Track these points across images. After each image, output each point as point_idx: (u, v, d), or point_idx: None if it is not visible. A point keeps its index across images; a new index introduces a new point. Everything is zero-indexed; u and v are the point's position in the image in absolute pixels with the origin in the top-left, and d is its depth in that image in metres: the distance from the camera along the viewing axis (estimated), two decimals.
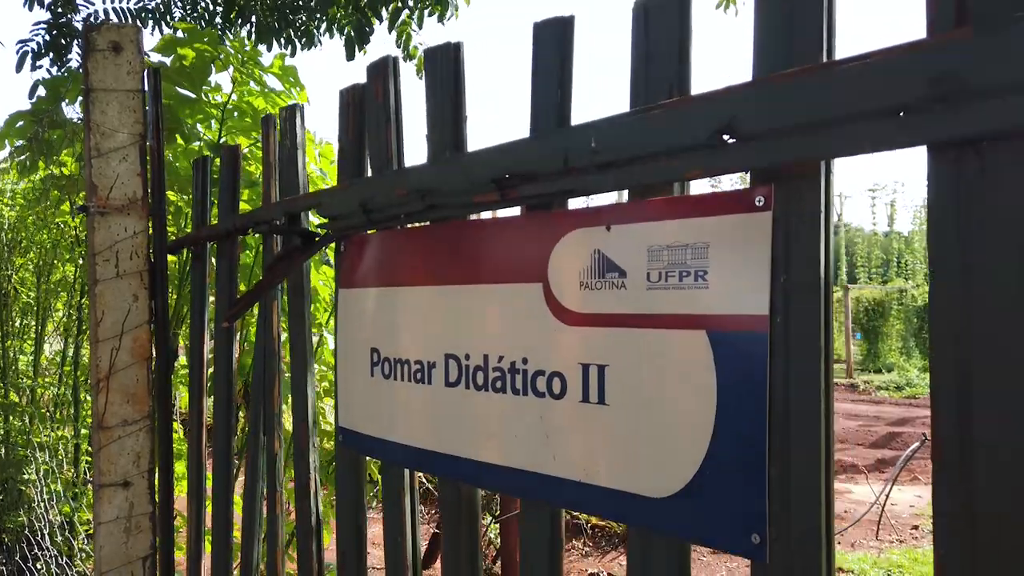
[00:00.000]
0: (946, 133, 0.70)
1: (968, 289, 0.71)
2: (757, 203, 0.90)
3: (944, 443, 0.73)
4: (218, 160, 2.24)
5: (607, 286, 1.05)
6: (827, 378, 0.85)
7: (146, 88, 2.22)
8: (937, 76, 0.70)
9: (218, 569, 2.03)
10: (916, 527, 7.37)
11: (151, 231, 2.21)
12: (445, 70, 1.30)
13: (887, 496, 6.73)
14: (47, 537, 4.10)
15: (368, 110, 1.47)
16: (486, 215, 1.32)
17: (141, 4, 4.85)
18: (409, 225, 1.40)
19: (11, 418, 4.91)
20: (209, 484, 2.25)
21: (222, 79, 4.01)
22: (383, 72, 1.44)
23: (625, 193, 1.09)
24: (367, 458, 1.63)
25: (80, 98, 4.05)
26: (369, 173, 1.51)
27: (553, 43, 1.15)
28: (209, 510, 2.20)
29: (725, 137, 0.87)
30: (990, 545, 0.69)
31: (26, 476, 4.66)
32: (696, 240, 0.95)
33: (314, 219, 1.72)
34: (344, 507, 1.58)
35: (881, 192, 23.71)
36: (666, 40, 1.02)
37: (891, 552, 6.73)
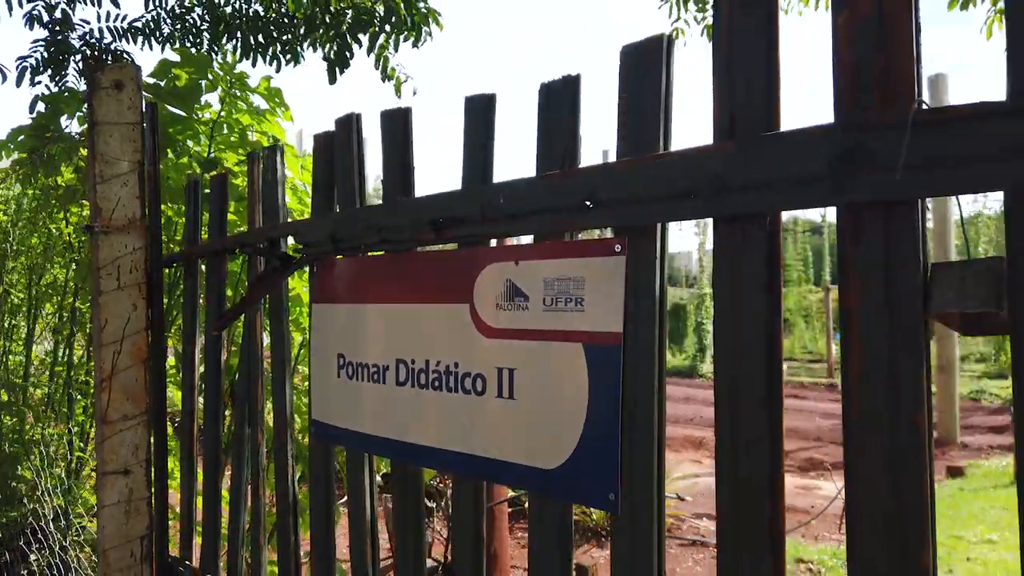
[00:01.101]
0: (719, 212, 1.02)
1: (738, 319, 1.03)
2: (616, 250, 1.22)
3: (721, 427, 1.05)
4: (208, 176, 2.54)
5: (515, 307, 1.36)
6: (660, 377, 1.16)
7: (144, 121, 2.51)
8: (713, 174, 1.02)
9: (208, 543, 2.32)
10: None
11: (148, 247, 2.51)
12: (396, 130, 1.61)
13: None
14: (40, 530, 4.35)
15: (336, 156, 1.78)
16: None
17: (132, 22, 5.12)
18: (369, 253, 1.71)
19: (4, 416, 5.14)
20: (200, 476, 2.55)
21: (211, 97, 4.28)
22: (348, 125, 1.75)
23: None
24: (339, 449, 1.93)
25: (77, 113, 4.33)
26: (337, 208, 1.82)
27: (481, 114, 1.46)
28: (199, 498, 2.50)
29: (588, 203, 1.19)
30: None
31: (19, 472, 4.90)
32: (577, 274, 1.27)
33: (292, 241, 2.02)
34: (316, 484, 1.89)
35: None
36: (559, 120, 1.33)
37: None
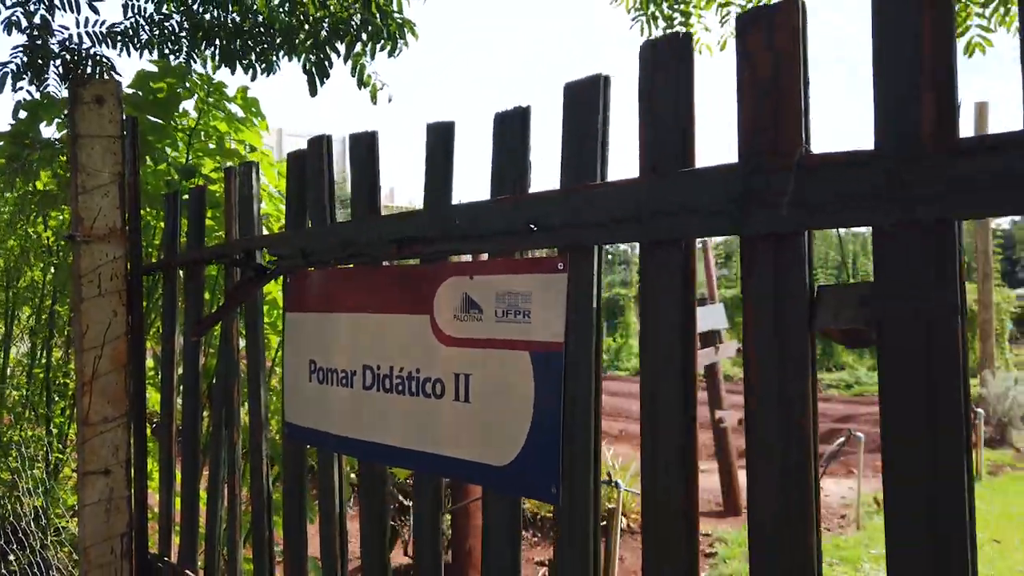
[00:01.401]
0: (644, 238, 1.16)
1: (656, 331, 1.17)
2: (559, 267, 1.35)
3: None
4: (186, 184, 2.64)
5: (470, 318, 1.49)
6: (597, 380, 1.30)
7: (124, 133, 2.60)
8: (639, 203, 1.15)
9: (186, 540, 2.43)
10: (843, 516, 7.85)
11: (128, 255, 2.60)
12: (363, 152, 1.74)
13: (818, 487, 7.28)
14: (20, 530, 4.41)
15: (308, 174, 1.90)
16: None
17: (111, 27, 5.18)
18: (338, 266, 1.83)
19: None
20: (178, 476, 2.65)
21: (189, 104, 4.36)
22: (319, 147, 1.87)
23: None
24: (313, 448, 2.05)
25: (57, 120, 4.39)
26: (309, 223, 1.93)
27: (441, 141, 1.59)
28: (178, 497, 2.60)
29: (532, 226, 1.32)
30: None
31: None
32: (525, 289, 1.40)
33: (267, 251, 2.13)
34: (289, 482, 2.00)
35: None
36: (511, 148, 1.46)
37: None
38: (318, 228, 1.84)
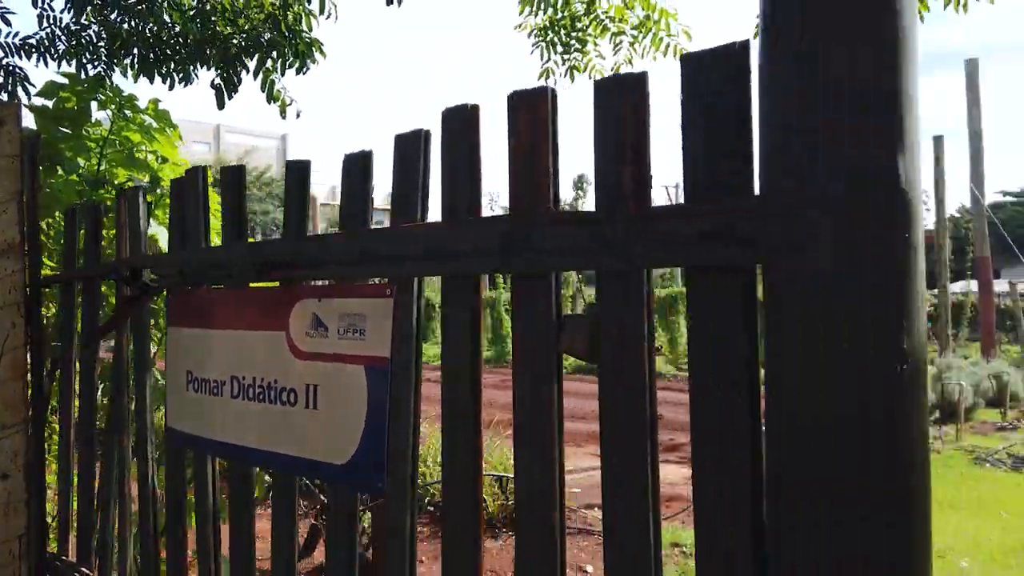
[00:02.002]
0: (444, 271, 1.39)
1: (455, 348, 1.40)
2: (387, 293, 1.57)
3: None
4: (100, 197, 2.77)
5: (318, 335, 1.70)
6: (416, 388, 1.52)
7: (24, 154, 2.72)
8: (440, 243, 1.39)
9: (82, 539, 2.58)
10: None
11: (27, 269, 2.72)
12: (232, 184, 1.93)
13: None
14: None
15: (186, 200, 2.08)
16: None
17: (25, 38, 5.19)
18: (213, 286, 2.01)
19: None
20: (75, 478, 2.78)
21: (102, 115, 4.43)
22: (195, 176, 2.06)
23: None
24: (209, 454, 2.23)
25: None
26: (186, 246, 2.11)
27: (297, 179, 1.80)
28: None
29: (366, 258, 1.54)
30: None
31: None
32: (361, 311, 1.62)
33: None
34: (171, 484, 2.18)
35: None
36: (353, 188, 1.67)
37: None
38: (193, 251, 2.02)
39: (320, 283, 1.82)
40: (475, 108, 1.37)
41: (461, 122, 1.37)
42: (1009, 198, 52.18)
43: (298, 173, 1.79)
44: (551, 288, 1.24)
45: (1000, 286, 19.00)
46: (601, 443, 1.20)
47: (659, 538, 1.16)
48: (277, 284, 1.83)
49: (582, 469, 8.71)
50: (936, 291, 14.76)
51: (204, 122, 49.90)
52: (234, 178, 1.92)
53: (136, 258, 2.24)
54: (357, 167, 1.67)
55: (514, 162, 1.28)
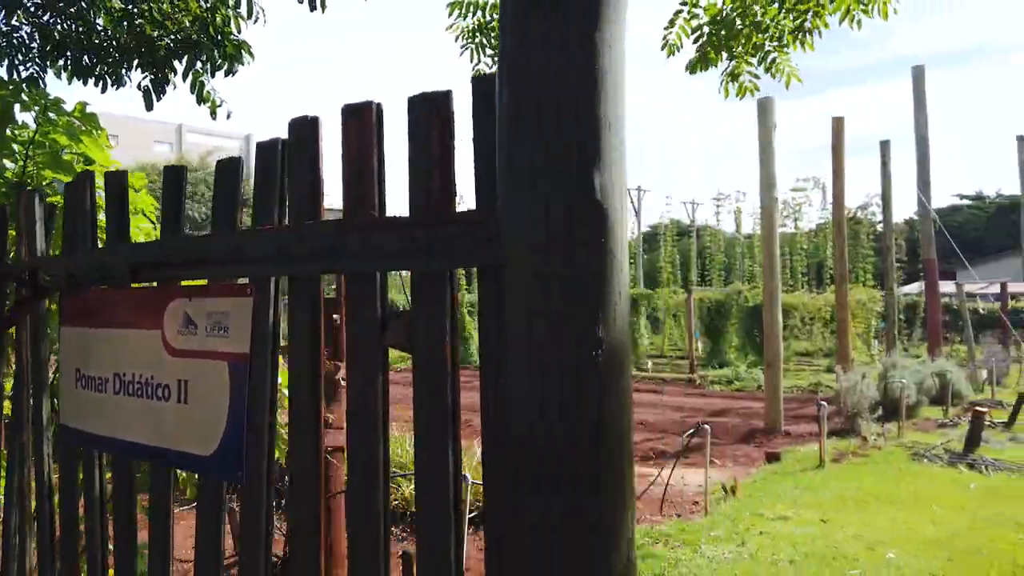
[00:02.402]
0: (290, 272, 1.48)
1: (298, 347, 1.48)
2: (248, 293, 1.65)
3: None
4: None
5: (189, 333, 1.78)
6: (273, 382, 1.61)
7: None
8: (284, 246, 1.47)
9: None
10: (696, 503, 8.36)
11: None
12: (114, 190, 2.00)
13: (670, 474, 7.77)
14: None
15: (76, 205, 2.14)
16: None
17: None
18: (102, 287, 2.08)
19: None
20: None
21: (28, 117, 4.42)
22: (83, 183, 2.12)
23: None
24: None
25: None
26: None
27: (172, 186, 1.87)
28: None
29: (231, 259, 1.62)
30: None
31: None
32: (225, 310, 1.70)
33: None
34: (64, 481, 2.24)
35: (725, 200, 25.53)
36: (223, 194, 1.75)
37: (665, 524, 7.71)
38: (81, 254, 2.09)
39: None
40: (315, 119, 1.46)
41: (307, 130, 1.46)
42: (965, 201, 53.55)
43: (173, 178, 1.86)
44: (376, 289, 1.34)
45: (957, 287, 19.54)
46: (415, 423, 1.29)
47: (461, 516, 1.26)
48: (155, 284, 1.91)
49: None
50: (885, 292, 15.16)
51: (166, 122, 49.07)
52: (117, 183, 1.99)
53: (32, 260, 2.29)
54: (229, 173, 1.75)
55: (344, 170, 1.37)
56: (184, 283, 1.85)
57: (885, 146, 14.80)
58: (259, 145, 1.64)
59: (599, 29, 0.86)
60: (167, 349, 1.83)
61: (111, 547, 2.08)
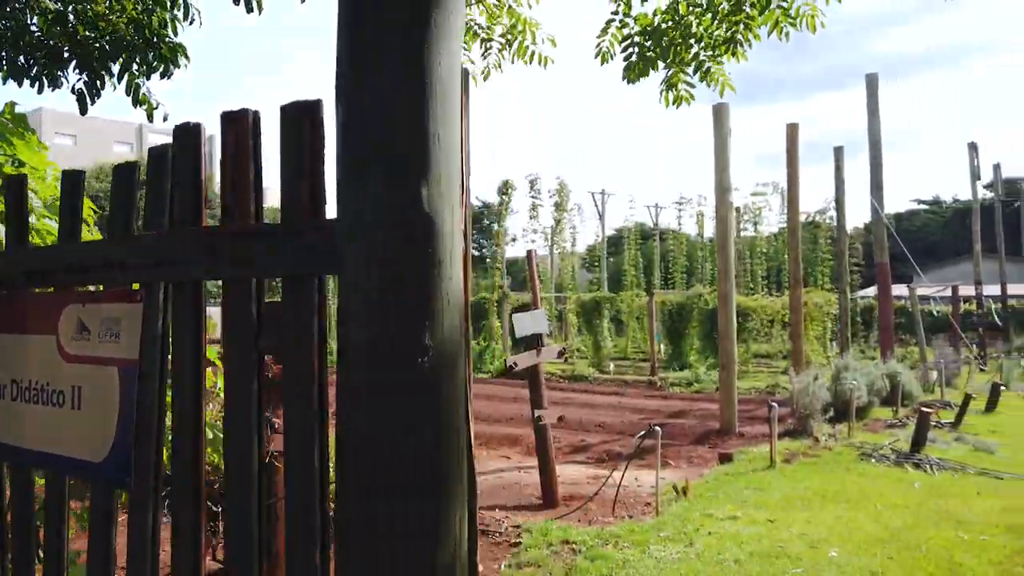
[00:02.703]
0: (163, 278, 1.48)
1: (180, 346, 1.49)
2: (138, 299, 1.65)
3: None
4: None
5: (82, 339, 1.77)
6: (161, 387, 1.61)
7: None
8: (160, 253, 1.47)
9: None
10: (648, 504, 8.41)
11: None
12: (12, 195, 1.98)
13: (622, 476, 7.83)
14: None
15: None
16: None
17: None
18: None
19: None
20: None
21: None
22: None
23: None
24: None
25: None
26: None
27: (68, 193, 1.86)
28: None
29: (119, 266, 1.62)
30: None
31: None
32: (117, 315, 1.70)
33: None
34: None
35: (687, 204, 25.83)
36: (117, 202, 1.75)
37: (616, 525, 7.75)
38: None
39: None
40: (198, 126, 1.46)
41: (188, 138, 1.47)
42: (923, 206, 54.85)
43: (69, 183, 1.85)
44: (251, 293, 1.35)
45: (921, 290, 19.99)
46: (285, 415, 1.31)
47: (327, 512, 1.28)
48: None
49: (489, 472, 8.82)
50: (839, 295, 15.48)
51: (127, 122, 48.24)
52: (15, 191, 1.98)
53: None
54: (125, 178, 1.75)
55: (222, 177, 1.38)
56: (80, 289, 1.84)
57: (839, 152, 15.14)
58: (150, 152, 1.64)
59: (428, 46, 0.88)
60: (62, 355, 1.82)
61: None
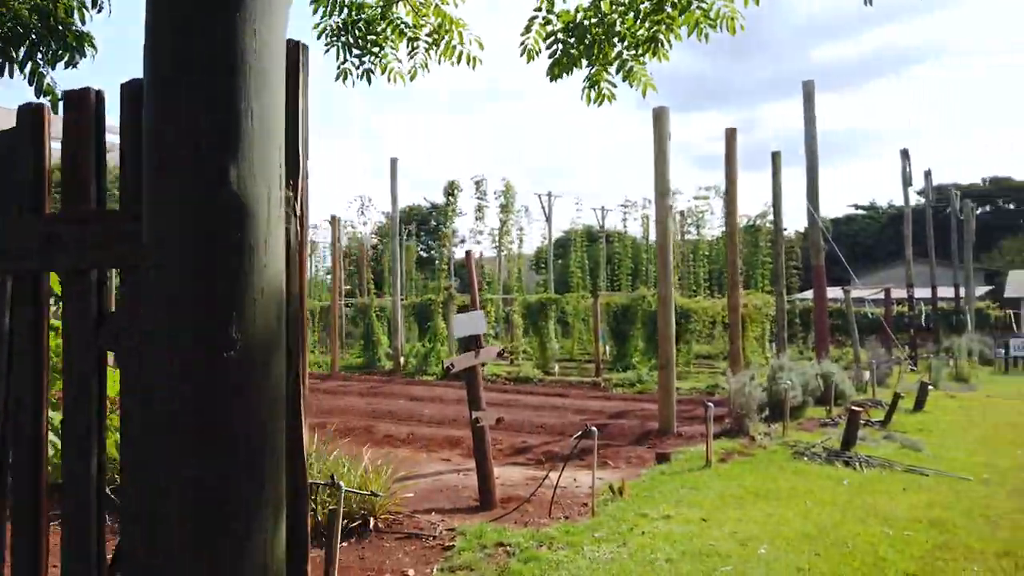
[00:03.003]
0: (5, 269, 1.38)
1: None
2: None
3: None
4: None
5: None
6: (41, 379, 1.49)
7: None
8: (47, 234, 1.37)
9: None
10: (585, 504, 8.41)
11: None
12: None
13: (559, 477, 7.81)
14: None
15: None
16: None
17: None
18: None
19: None
20: None
21: None
22: None
23: None
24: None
25: None
26: None
27: None
28: None
29: None
30: None
31: None
32: None
33: None
34: None
35: (632, 207, 26.10)
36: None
37: (552, 526, 7.72)
38: None
39: None
40: (40, 107, 1.36)
41: (30, 117, 1.37)
42: (860, 211, 56.67)
43: None
44: (91, 286, 1.26)
45: (856, 292, 20.59)
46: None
47: (103, 495, 1.20)
48: None
49: (427, 474, 8.72)
50: (776, 297, 15.84)
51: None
52: None
53: None
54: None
55: (63, 161, 1.29)
56: None
57: (776, 157, 15.51)
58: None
59: (240, 16, 0.82)
60: None
61: None
